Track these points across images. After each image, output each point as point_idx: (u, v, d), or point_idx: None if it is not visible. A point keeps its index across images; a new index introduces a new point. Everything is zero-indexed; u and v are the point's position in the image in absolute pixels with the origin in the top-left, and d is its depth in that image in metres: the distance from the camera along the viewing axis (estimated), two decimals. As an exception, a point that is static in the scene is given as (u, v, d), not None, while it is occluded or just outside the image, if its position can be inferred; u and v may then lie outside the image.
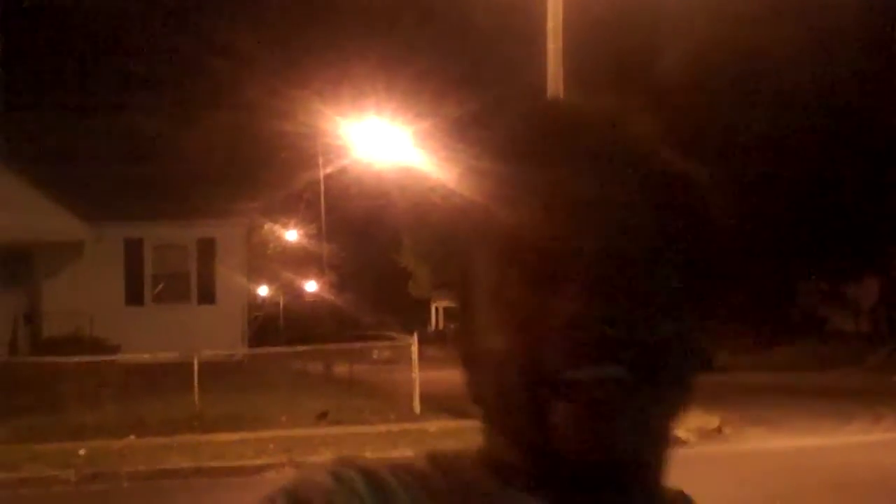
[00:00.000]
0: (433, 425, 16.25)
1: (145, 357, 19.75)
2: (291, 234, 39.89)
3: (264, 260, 35.67)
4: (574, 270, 0.81)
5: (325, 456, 13.43)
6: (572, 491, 0.85)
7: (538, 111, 0.90)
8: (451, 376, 1.11)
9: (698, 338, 0.87)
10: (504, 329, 0.83)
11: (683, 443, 14.75)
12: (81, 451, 13.85)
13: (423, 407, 17.96)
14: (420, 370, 18.52)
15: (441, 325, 50.29)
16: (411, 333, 19.94)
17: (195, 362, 18.21)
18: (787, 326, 39.94)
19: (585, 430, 0.80)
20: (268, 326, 35.01)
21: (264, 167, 28.22)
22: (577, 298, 0.80)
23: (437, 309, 52.24)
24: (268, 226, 36.30)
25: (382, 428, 16.33)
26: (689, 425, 15.91)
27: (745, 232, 39.27)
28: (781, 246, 39.86)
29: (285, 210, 36.16)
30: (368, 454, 13.11)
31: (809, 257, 40.40)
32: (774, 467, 12.59)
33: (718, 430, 16.09)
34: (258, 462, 13.30)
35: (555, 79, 16.70)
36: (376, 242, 46.77)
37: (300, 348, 23.11)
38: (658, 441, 0.87)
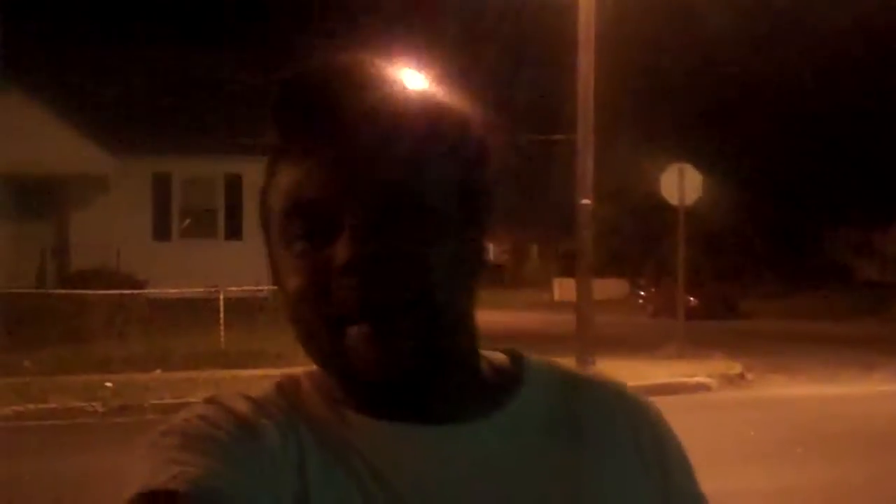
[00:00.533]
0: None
1: (172, 292, 19.86)
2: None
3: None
4: (345, 221, 0.94)
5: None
6: (383, 406, 0.99)
7: (306, 76, 1.00)
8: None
9: (472, 256, 1.00)
10: (295, 274, 0.96)
11: (706, 388, 14.80)
12: (108, 384, 14.00)
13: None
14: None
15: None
16: None
17: (220, 298, 18.33)
18: (813, 275, 39.77)
19: (372, 353, 0.94)
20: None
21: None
22: (351, 245, 0.93)
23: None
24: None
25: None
26: (712, 370, 15.95)
27: (775, 182, 39.04)
28: (809, 195, 39.61)
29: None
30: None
31: (837, 206, 40.14)
32: (795, 414, 12.61)
33: (741, 375, 16.11)
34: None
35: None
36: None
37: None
38: (447, 351, 0.98)
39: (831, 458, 9.71)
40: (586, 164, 16.58)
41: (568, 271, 36.12)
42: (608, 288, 36.34)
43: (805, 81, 36.29)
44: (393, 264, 0.93)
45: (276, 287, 1.02)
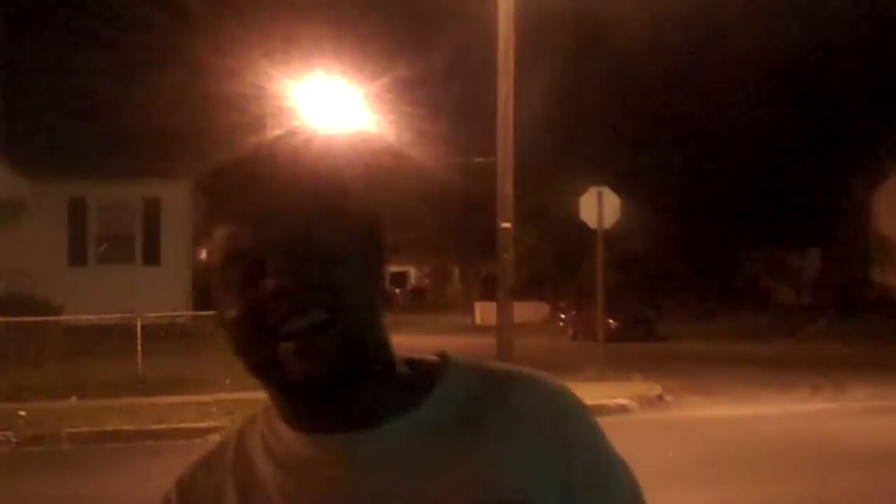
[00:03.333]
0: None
1: (88, 318, 19.54)
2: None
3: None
4: (269, 265, 1.16)
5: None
6: (305, 418, 1.20)
7: (234, 164, 1.25)
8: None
9: (372, 282, 1.21)
10: (235, 306, 1.18)
11: (626, 409, 14.92)
12: (22, 412, 13.72)
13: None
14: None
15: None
16: None
17: (138, 324, 18.08)
18: (730, 297, 40.31)
19: (298, 363, 1.15)
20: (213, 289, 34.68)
21: (211, 128, 27.94)
22: (275, 280, 1.15)
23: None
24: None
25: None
26: (631, 392, 16.08)
27: (693, 205, 39.59)
28: (726, 218, 40.20)
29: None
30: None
31: (754, 229, 40.79)
32: (713, 434, 12.77)
33: (660, 397, 16.28)
34: (201, 425, 13.23)
35: (505, 40, 16.69)
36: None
37: (245, 311, 22.92)
38: (366, 350, 1.18)
39: (749, 476, 9.83)
40: (506, 188, 16.67)
41: (489, 294, 36.19)
42: (529, 311, 36.47)
43: (722, 106, 36.91)
44: (307, 293, 1.15)
45: (218, 322, 1.22)
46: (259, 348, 1.17)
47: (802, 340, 31.72)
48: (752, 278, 43.01)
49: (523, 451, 1.17)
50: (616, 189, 19.34)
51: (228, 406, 14.25)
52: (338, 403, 1.19)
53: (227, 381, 16.68)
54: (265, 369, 1.18)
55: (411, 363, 1.25)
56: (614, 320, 29.95)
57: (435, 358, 1.27)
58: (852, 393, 17.13)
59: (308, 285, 1.16)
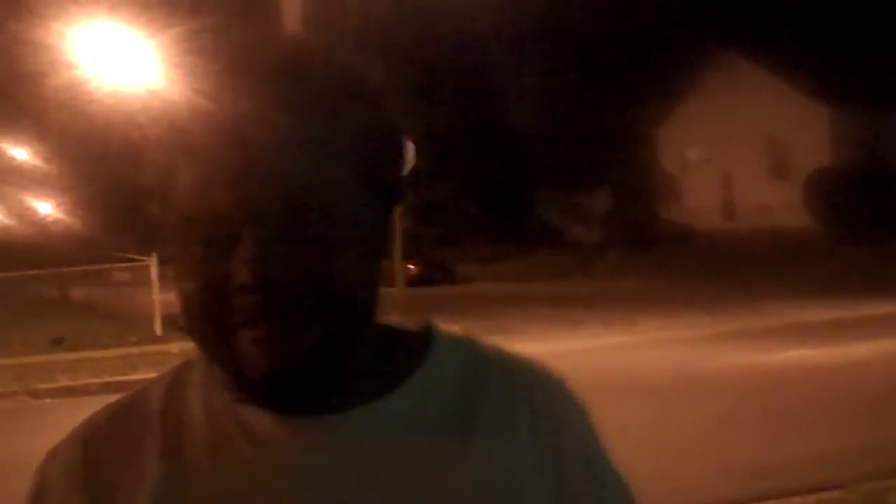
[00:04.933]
0: (176, 346, 15.93)
1: None
2: (20, 153, 38.03)
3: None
4: (248, 241, 0.89)
5: (61, 383, 13.04)
6: (270, 398, 0.95)
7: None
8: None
9: (377, 249, 0.96)
10: (193, 278, 0.91)
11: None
12: None
13: (165, 328, 17.64)
14: (165, 291, 18.12)
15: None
16: (150, 254, 19.47)
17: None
18: (526, 237, 41.21)
19: (264, 356, 0.90)
20: (-2, 249, 33.39)
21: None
22: (252, 264, 0.88)
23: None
24: (-6, 144, 34.47)
25: (122, 351, 15.95)
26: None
27: (487, 148, 40.15)
28: (520, 159, 40.97)
29: (14, 126, 34.35)
30: (107, 379, 12.80)
31: (547, 169, 41.72)
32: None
33: (459, 339, 16.51)
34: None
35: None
36: (113, 161, 45.14)
37: (33, 272, 22.19)
38: (343, 348, 0.94)
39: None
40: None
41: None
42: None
43: (514, 40, 37.39)
44: (294, 280, 0.89)
45: (175, 277, 0.94)
46: (214, 334, 0.92)
47: (595, 277, 32.73)
48: (546, 218, 44.05)
49: (516, 443, 1.01)
50: (410, 135, 19.41)
51: (18, 371, 13.77)
52: (304, 392, 0.95)
53: (17, 344, 16.11)
54: (220, 358, 0.94)
55: (390, 334, 1.03)
56: (413, 265, 30.21)
57: (419, 329, 1.06)
58: (641, 326, 17.79)
59: (297, 270, 0.90)
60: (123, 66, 21.60)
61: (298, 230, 0.89)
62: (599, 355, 14.30)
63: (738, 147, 39.73)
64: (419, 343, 1.03)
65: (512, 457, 0.99)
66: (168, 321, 17.63)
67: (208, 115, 0.89)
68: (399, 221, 19.23)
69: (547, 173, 42.05)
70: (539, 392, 1.06)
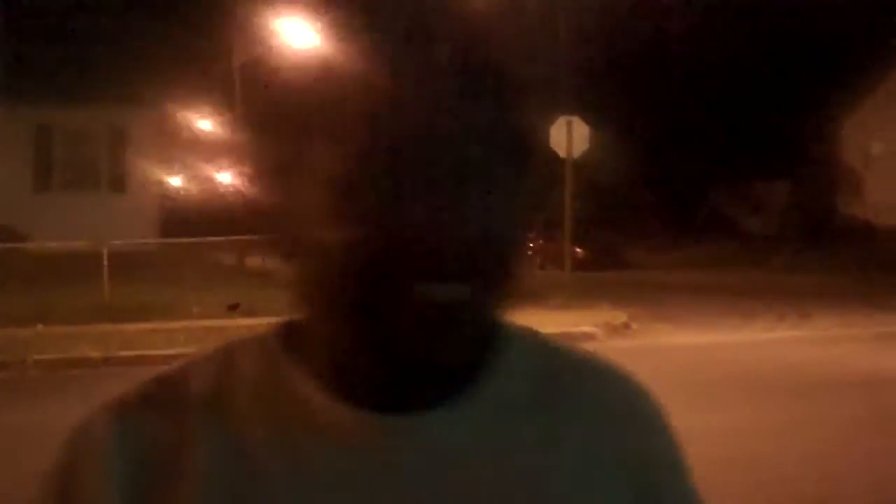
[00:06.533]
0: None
1: (54, 245, 19.42)
2: (206, 124, 39.24)
3: (177, 149, 35.12)
4: (421, 176, 0.79)
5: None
6: (397, 388, 0.86)
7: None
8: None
9: (523, 216, 0.88)
10: (350, 223, 0.80)
11: (592, 337, 15.02)
12: (-13, 339, 13.67)
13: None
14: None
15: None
16: None
17: (105, 252, 17.98)
18: (698, 226, 40.55)
19: (431, 338, 0.80)
20: (180, 216, 34.56)
21: (179, 56, 27.61)
22: (435, 200, 0.79)
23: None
24: (181, 114, 35.67)
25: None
26: (597, 320, 16.18)
27: (663, 134, 39.61)
28: (696, 148, 40.29)
29: (201, 99, 35.50)
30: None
31: (723, 159, 40.94)
32: (679, 361, 12.87)
33: (626, 325, 16.38)
34: (168, 352, 13.19)
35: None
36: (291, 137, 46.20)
37: (212, 239, 22.87)
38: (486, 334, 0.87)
39: (714, 403, 9.94)
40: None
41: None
42: (498, 240, 36.57)
43: (693, 35, 36.80)
44: (458, 247, 0.79)
45: (292, 241, 0.86)
46: (366, 303, 0.80)
47: (768, 270, 31.98)
48: (720, 208, 43.25)
49: (602, 454, 0.92)
50: (586, 119, 19.30)
51: (196, 334, 14.24)
52: (426, 382, 0.86)
53: (195, 309, 16.68)
54: (358, 339, 0.83)
55: None
56: (582, 249, 30.06)
57: None
58: (816, 321, 17.31)
59: (462, 233, 0.80)
60: (304, 42, 22.09)
61: (460, 179, 0.80)
62: (774, 348, 14.00)
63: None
64: (490, 332, 0.90)
65: (595, 471, 0.91)
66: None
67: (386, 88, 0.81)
68: (570, 206, 19.17)
69: (724, 162, 41.25)
70: (629, 402, 0.99)
